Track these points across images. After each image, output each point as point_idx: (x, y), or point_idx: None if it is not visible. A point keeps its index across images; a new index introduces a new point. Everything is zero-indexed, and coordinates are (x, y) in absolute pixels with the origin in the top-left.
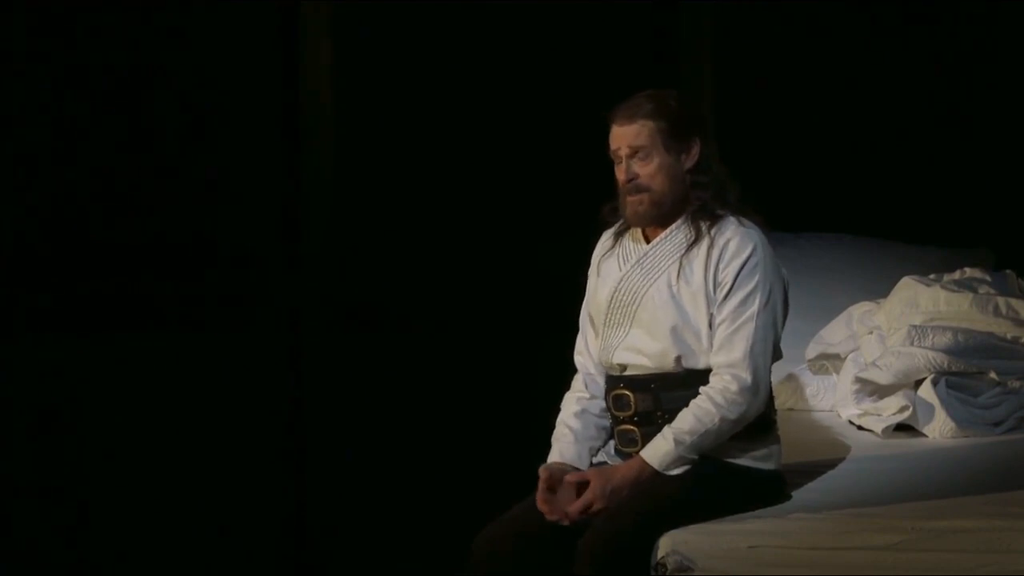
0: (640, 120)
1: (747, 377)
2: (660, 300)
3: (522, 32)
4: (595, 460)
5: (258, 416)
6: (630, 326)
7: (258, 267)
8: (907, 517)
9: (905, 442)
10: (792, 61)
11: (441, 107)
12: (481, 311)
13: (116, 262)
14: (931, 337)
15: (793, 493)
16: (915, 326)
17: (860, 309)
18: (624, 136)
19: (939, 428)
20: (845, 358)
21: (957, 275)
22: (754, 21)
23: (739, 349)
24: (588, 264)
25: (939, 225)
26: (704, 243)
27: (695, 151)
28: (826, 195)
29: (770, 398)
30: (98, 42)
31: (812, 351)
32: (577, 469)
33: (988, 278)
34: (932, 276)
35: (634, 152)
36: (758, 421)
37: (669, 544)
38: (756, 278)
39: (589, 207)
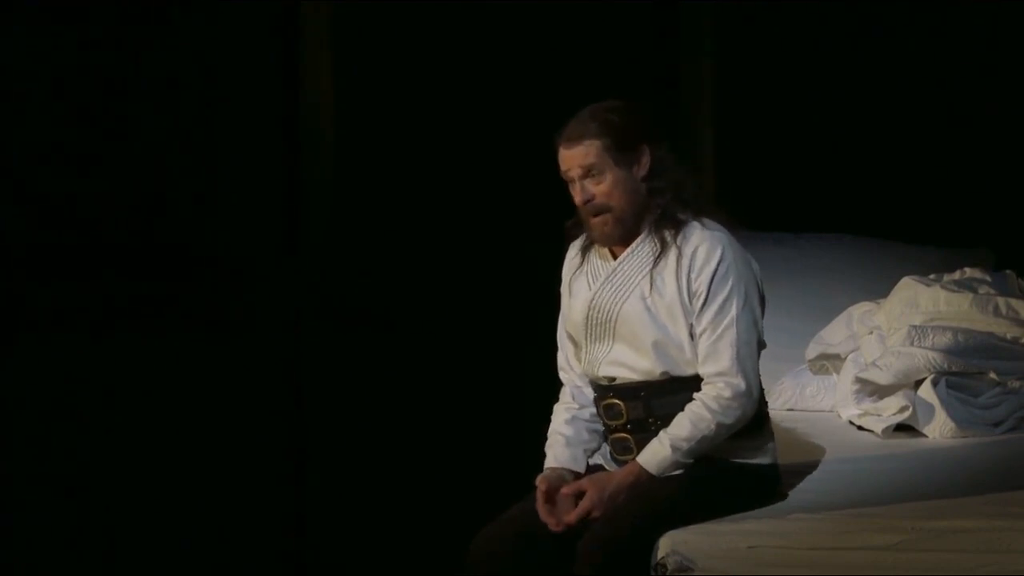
0: (586, 140)
1: (739, 382)
2: (636, 316)
3: (522, 33)
4: (591, 462)
5: (258, 416)
6: (612, 341)
7: (258, 268)
8: (907, 517)
9: (905, 442)
10: (792, 61)
11: (441, 108)
12: (480, 311)
13: (116, 263)
14: (931, 337)
15: (792, 493)
16: (915, 326)
17: (860, 309)
18: (573, 158)
19: (939, 428)
20: (845, 358)
21: (957, 275)
22: (754, 21)
23: (726, 357)
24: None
25: (939, 225)
26: (672, 253)
27: (645, 160)
28: (826, 195)
29: (760, 392)
30: (99, 42)
31: (812, 351)
32: (574, 472)
33: (988, 278)
34: (932, 276)
35: (586, 172)
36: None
37: (669, 544)
38: (730, 283)
39: None
